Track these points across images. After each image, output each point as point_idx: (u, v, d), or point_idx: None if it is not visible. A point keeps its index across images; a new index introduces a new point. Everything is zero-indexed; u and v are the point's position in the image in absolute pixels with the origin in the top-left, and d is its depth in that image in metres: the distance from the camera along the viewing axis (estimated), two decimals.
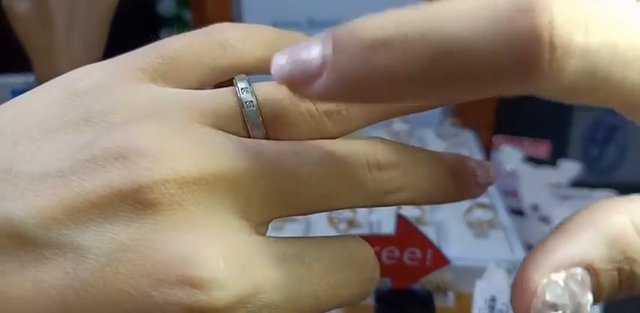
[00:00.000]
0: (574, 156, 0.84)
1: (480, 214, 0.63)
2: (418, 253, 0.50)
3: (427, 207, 0.64)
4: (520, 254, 0.59)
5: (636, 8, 0.15)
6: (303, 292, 0.19)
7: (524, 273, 0.16)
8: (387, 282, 0.51)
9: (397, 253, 0.51)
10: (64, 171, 0.18)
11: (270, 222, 0.20)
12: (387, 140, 0.21)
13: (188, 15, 0.97)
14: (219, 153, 0.18)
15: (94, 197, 0.17)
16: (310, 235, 0.61)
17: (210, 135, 0.19)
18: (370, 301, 0.49)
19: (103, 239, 0.17)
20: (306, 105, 0.20)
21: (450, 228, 0.64)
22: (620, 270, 0.16)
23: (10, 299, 0.17)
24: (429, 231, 0.58)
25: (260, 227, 0.19)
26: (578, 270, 0.16)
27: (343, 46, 0.15)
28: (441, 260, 0.50)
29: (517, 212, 0.71)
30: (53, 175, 0.18)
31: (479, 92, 0.15)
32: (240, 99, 0.20)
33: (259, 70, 0.22)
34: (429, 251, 0.50)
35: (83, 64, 0.21)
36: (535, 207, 0.70)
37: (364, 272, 0.20)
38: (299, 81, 0.16)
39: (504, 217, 0.65)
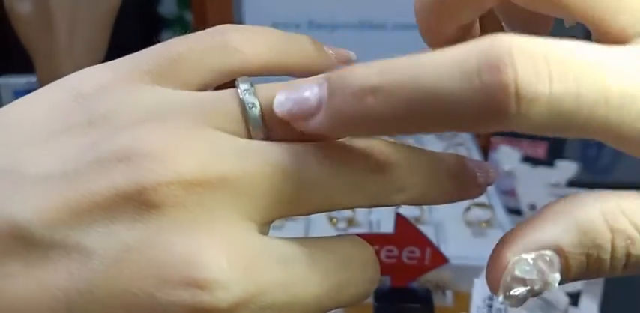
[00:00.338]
0: (571, 157, 0.84)
1: (478, 213, 0.63)
2: (417, 252, 0.51)
3: (426, 207, 0.64)
4: None
5: (599, 53, 0.17)
6: (305, 292, 0.19)
7: (499, 251, 0.18)
8: (386, 281, 0.51)
9: (396, 252, 0.51)
10: (68, 172, 0.18)
11: (272, 222, 0.20)
12: (387, 141, 0.21)
13: (189, 16, 0.97)
14: (222, 155, 0.18)
15: (99, 198, 0.17)
16: (310, 234, 0.62)
17: (214, 136, 0.19)
18: (369, 299, 0.49)
19: (108, 241, 0.17)
20: None
21: (448, 227, 0.64)
22: (588, 255, 0.18)
23: (15, 300, 0.17)
24: (428, 230, 0.58)
25: (263, 227, 0.19)
26: (548, 252, 0.18)
27: (336, 90, 0.18)
28: (439, 259, 0.50)
29: (515, 211, 0.71)
30: (58, 177, 0.18)
31: (455, 130, 0.18)
32: (242, 101, 0.20)
33: (262, 72, 0.22)
34: (428, 250, 0.50)
35: (85, 64, 0.22)
36: (533, 207, 0.71)
37: (365, 272, 0.21)
38: (298, 118, 0.19)
39: (502, 216, 0.65)
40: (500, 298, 0.18)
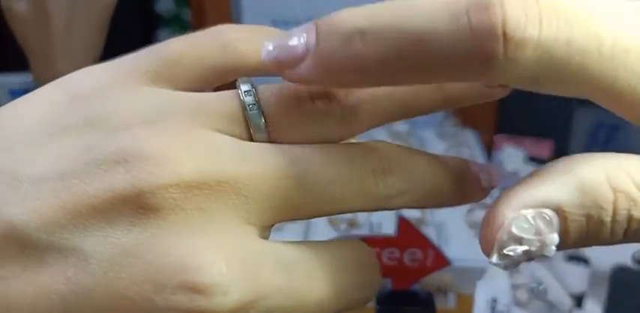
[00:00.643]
0: None
1: (480, 215, 0.63)
2: (419, 254, 0.51)
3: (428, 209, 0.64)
4: None
5: (596, 1, 0.16)
6: (305, 297, 0.19)
7: (495, 208, 0.18)
8: (388, 283, 0.51)
9: (398, 254, 0.51)
10: (65, 174, 0.18)
11: (272, 226, 0.20)
12: (390, 143, 0.21)
13: (187, 14, 0.97)
14: (222, 157, 0.18)
15: (96, 201, 0.17)
16: (311, 235, 0.62)
17: (213, 138, 0.19)
18: (371, 302, 0.49)
19: (105, 244, 0.17)
20: (310, 109, 0.20)
21: (450, 228, 0.64)
22: (588, 217, 0.17)
23: (12, 304, 0.17)
24: (430, 232, 0.58)
25: (263, 231, 0.19)
26: (548, 211, 0.17)
27: (324, 35, 0.18)
28: (441, 261, 0.50)
29: None
30: (55, 178, 0.18)
31: (444, 78, 0.18)
32: (243, 102, 0.19)
33: (262, 73, 0.22)
34: (430, 252, 0.50)
35: (82, 63, 0.21)
36: None
37: (366, 276, 0.20)
38: (285, 65, 0.18)
39: None
40: (494, 258, 0.17)
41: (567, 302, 0.51)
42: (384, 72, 0.17)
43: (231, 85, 0.21)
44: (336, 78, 0.18)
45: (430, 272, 0.51)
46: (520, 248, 0.17)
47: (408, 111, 0.21)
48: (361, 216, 0.63)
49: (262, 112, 0.19)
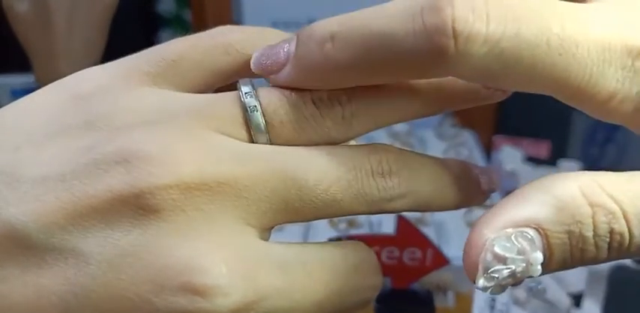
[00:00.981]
0: (574, 156, 0.84)
1: (479, 214, 0.63)
2: (418, 253, 0.50)
3: None
4: None
5: (547, 1, 0.17)
6: (305, 299, 0.19)
7: (475, 230, 0.17)
8: (387, 282, 0.51)
9: (397, 253, 0.51)
10: (65, 175, 0.18)
11: (272, 228, 0.20)
12: (390, 146, 0.21)
13: (188, 15, 0.97)
14: (222, 159, 0.18)
15: (96, 202, 0.17)
16: (310, 235, 0.62)
17: (214, 140, 0.19)
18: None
19: (105, 245, 0.17)
20: (311, 111, 0.20)
21: (450, 228, 0.64)
22: (570, 233, 0.17)
23: (12, 305, 0.17)
24: (429, 231, 0.58)
25: (263, 232, 0.19)
26: (528, 230, 0.17)
27: (301, 41, 0.19)
28: (441, 260, 0.50)
29: None
30: (55, 179, 0.18)
31: (408, 75, 0.19)
32: (243, 104, 0.19)
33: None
34: (429, 251, 0.50)
35: (83, 63, 0.21)
36: None
37: (367, 278, 0.20)
38: (270, 71, 0.20)
39: None
40: (480, 282, 0.17)
41: (566, 301, 0.51)
42: (354, 71, 0.18)
43: (232, 87, 0.21)
44: (313, 80, 0.19)
45: (429, 271, 0.51)
46: (505, 270, 0.17)
47: (406, 114, 0.21)
48: (361, 216, 0.63)
49: (263, 114, 0.19)
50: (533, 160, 0.77)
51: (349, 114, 0.20)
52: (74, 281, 0.17)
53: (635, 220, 0.17)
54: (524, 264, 0.17)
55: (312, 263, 0.19)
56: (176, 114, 0.19)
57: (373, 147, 0.20)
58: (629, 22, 0.17)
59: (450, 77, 0.19)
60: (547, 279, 0.53)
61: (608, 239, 0.17)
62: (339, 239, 0.23)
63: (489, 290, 0.17)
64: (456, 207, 0.22)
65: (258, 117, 0.19)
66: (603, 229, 0.17)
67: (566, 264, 0.17)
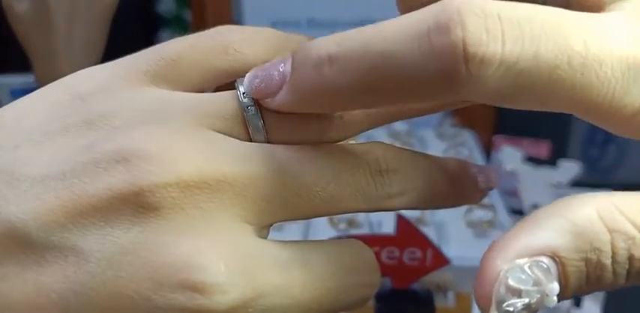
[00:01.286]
0: (574, 156, 0.84)
1: (480, 214, 0.63)
2: (418, 253, 0.50)
3: None
4: None
5: (563, 14, 0.16)
6: (304, 296, 0.19)
7: (487, 260, 0.16)
8: (387, 282, 0.51)
9: (397, 253, 0.51)
10: (65, 173, 0.18)
11: (271, 225, 0.20)
12: (388, 144, 0.21)
13: (188, 15, 0.97)
14: (220, 157, 0.18)
15: (96, 200, 0.17)
16: (310, 235, 0.62)
17: (212, 138, 0.19)
18: (370, 301, 0.49)
19: (104, 243, 0.17)
20: None
21: (450, 227, 0.64)
22: (587, 261, 0.16)
23: (11, 303, 0.17)
24: (429, 231, 0.58)
25: (262, 230, 0.19)
26: (544, 259, 0.16)
27: (297, 64, 0.18)
28: (441, 260, 0.50)
29: (517, 212, 0.71)
30: (55, 178, 0.18)
31: (413, 99, 0.17)
32: (241, 103, 0.19)
33: None
34: (429, 251, 0.50)
35: (83, 63, 0.21)
36: (535, 207, 0.70)
37: (365, 276, 0.20)
38: (265, 94, 0.19)
39: (504, 217, 0.65)
40: None
41: (565, 301, 0.51)
42: (355, 96, 0.17)
43: (231, 86, 0.21)
44: (311, 105, 0.18)
45: (429, 271, 0.51)
46: (520, 303, 0.16)
47: (405, 113, 0.21)
48: (360, 216, 0.63)
49: (261, 113, 0.19)
50: (533, 160, 0.76)
51: (347, 112, 0.20)
52: (74, 279, 0.17)
53: None
54: (539, 295, 0.16)
55: (310, 260, 0.19)
56: (175, 114, 0.19)
57: (371, 145, 0.20)
58: None
59: None
60: None
61: (627, 266, 0.16)
62: (338, 239, 0.23)
63: None
64: (453, 206, 0.22)
65: (256, 117, 0.19)
66: (622, 256, 0.16)
67: (582, 290, 0.17)
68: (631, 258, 0.16)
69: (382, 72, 0.16)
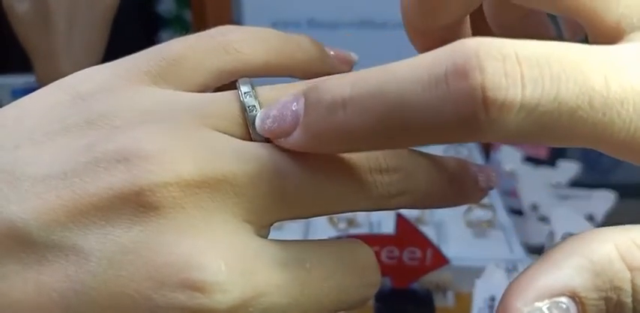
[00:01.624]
0: (573, 156, 0.83)
1: (479, 214, 0.63)
2: (418, 253, 0.51)
3: None
4: (519, 253, 0.59)
5: (582, 51, 0.15)
6: (304, 296, 0.19)
7: (506, 302, 0.16)
8: (387, 282, 0.51)
9: (397, 253, 0.51)
10: (66, 173, 0.18)
11: (271, 225, 0.20)
12: None
13: (188, 15, 0.97)
14: (221, 157, 0.18)
15: (96, 199, 0.17)
16: (310, 234, 0.62)
17: (213, 138, 0.19)
18: (370, 300, 0.49)
19: (105, 242, 0.17)
20: None
21: (449, 227, 0.64)
22: (607, 300, 0.16)
23: (12, 302, 0.17)
24: (429, 231, 0.58)
25: (262, 230, 0.19)
26: (563, 299, 0.16)
27: (310, 105, 0.18)
28: (440, 259, 0.50)
29: (516, 212, 0.71)
30: (55, 177, 0.18)
31: (429, 142, 0.17)
32: (243, 103, 0.20)
33: (262, 73, 0.22)
34: (429, 251, 0.50)
35: (84, 63, 0.22)
36: (534, 207, 0.70)
37: (366, 276, 0.20)
38: (277, 134, 0.19)
39: (504, 217, 0.65)
40: None
41: None
42: (369, 139, 0.17)
43: (232, 86, 0.21)
44: (325, 146, 0.18)
45: (429, 270, 0.51)
46: None
47: None
48: (360, 215, 0.63)
49: None
50: (532, 160, 0.76)
51: None
52: (74, 278, 0.17)
53: None
54: None
55: (310, 260, 0.19)
56: (176, 113, 0.19)
57: None
58: None
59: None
60: None
61: None
62: (338, 238, 0.23)
63: None
64: (453, 205, 0.22)
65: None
66: None
67: None
68: None
69: (398, 115, 0.16)
